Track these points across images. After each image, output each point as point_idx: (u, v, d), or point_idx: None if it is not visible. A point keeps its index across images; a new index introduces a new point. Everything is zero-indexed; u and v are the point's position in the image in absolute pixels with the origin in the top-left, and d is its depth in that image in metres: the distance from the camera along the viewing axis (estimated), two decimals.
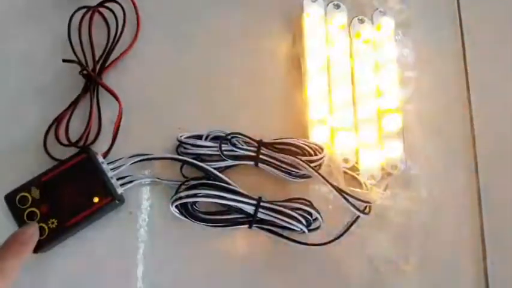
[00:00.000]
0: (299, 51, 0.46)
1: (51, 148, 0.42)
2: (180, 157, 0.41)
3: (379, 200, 0.41)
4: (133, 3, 0.45)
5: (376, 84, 0.44)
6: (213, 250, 0.41)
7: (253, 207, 0.39)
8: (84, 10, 0.44)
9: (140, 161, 0.40)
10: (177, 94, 0.45)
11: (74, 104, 0.43)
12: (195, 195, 0.38)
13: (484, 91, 0.47)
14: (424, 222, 0.43)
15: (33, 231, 0.36)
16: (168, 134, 0.42)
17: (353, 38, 0.45)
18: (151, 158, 0.41)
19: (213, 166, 0.40)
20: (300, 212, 0.39)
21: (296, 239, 0.40)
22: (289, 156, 0.40)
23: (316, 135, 0.42)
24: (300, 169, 0.40)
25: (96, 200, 0.38)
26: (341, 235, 0.40)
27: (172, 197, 0.39)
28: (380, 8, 0.46)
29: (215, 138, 0.41)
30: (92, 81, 0.43)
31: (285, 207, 0.39)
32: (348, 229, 0.41)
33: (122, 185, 0.40)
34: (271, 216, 0.39)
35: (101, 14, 0.45)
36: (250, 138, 0.40)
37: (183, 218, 0.39)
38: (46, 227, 0.38)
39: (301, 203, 0.39)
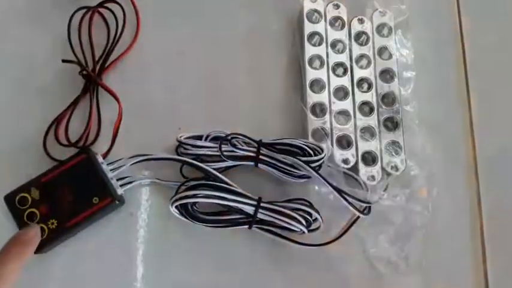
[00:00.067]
0: (299, 51, 0.46)
1: (50, 148, 0.42)
2: (180, 157, 0.41)
3: (379, 200, 0.41)
4: (133, 4, 0.45)
5: (376, 84, 0.44)
6: (213, 251, 0.41)
7: (253, 208, 0.39)
8: (84, 10, 0.44)
9: (140, 161, 0.40)
10: (176, 94, 0.45)
11: (73, 104, 0.43)
12: (195, 196, 0.38)
13: (483, 91, 0.47)
14: (424, 222, 0.43)
15: (35, 233, 0.36)
16: (168, 134, 0.42)
17: (353, 38, 0.45)
18: (151, 158, 0.41)
19: (212, 167, 0.40)
20: (299, 212, 0.39)
21: (296, 239, 0.40)
22: (289, 156, 0.40)
23: (316, 136, 0.42)
24: (299, 169, 0.40)
25: (96, 200, 0.38)
26: (341, 235, 0.40)
27: (172, 198, 0.39)
28: (380, 8, 0.46)
29: (215, 139, 0.41)
30: (92, 81, 0.43)
31: (284, 207, 0.39)
32: (347, 230, 0.40)
33: (121, 185, 0.40)
34: (271, 216, 0.39)
35: (100, 14, 0.45)
36: (250, 138, 0.40)
37: (183, 218, 0.39)
38: (46, 228, 0.38)
39: (301, 204, 0.39)
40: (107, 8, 0.44)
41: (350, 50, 0.45)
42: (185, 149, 0.41)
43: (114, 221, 0.41)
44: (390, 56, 0.45)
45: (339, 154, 0.42)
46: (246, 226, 0.40)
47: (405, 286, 0.42)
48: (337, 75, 0.44)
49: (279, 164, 0.40)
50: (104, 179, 0.39)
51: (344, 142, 0.43)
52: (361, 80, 0.45)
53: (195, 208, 0.39)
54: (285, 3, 0.47)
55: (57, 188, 0.39)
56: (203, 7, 0.47)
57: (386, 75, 0.45)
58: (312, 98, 0.43)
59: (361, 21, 0.46)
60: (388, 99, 0.44)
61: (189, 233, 0.41)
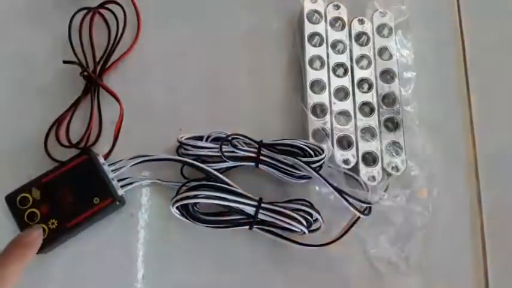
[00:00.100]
0: (299, 52, 0.46)
1: (51, 149, 0.42)
2: (181, 158, 0.41)
3: (379, 201, 0.41)
4: (134, 5, 0.45)
5: (376, 85, 0.44)
6: (213, 251, 0.42)
7: (254, 208, 0.39)
8: (84, 11, 0.44)
9: (141, 162, 0.40)
10: (177, 95, 0.45)
11: (74, 105, 0.43)
12: (195, 197, 0.38)
13: (484, 91, 0.47)
14: (425, 222, 0.43)
15: (38, 235, 0.36)
16: (169, 135, 0.42)
17: (353, 38, 0.45)
18: (152, 159, 0.41)
19: (213, 167, 0.40)
20: (300, 213, 0.39)
21: (296, 240, 0.40)
22: (289, 157, 0.40)
23: (317, 136, 0.42)
24: (300, 170, 0.40)
25: (96, 201, 0.38)
26: (341, 236, 0.40)
27: (173, 198, 0.39)
28: (380, 9, 0.46)
29: (216, 140, 0.41)
30: (93, 82, 0.43)
31: (285, 208, 0.39)
32: (348, 230, 0.40)
33: (122, 186, 0.40)
34: (272, 217, 0.39)
35: (101, 15, 0.45)
36: (250, 139, 0.40)
37: (183, 219, 0.39)
38: (46, 228, 0.38)
39: (302, 204, 0.39)
40: (107, 8, 0.44)
41: (350, 51, 0.45)
42: (186, 149, 0.41)
43: (114, 221, 0.41)
44: (390, 57, 0.45)
45: (339, 154, 0.42)
46: (247, 227, 0.40)
47: (405, 286, 0.42)
48: (338, 76, 0.44)
49: (280, 165, 0.40)
50: (105, 180, 0.39)
51: (344, 142, 0.43)
52: (362, 81, 0.45)
53: (196, 209, 0.39)
54: (285, 4, 0.47)
55: (58, 188, 0.39)
56: (204, 8, 0.47)
57: (387, 75, 0.45)
58: (313, 98, 0.44)
59: (361, 21, 0.46)
60: (388, 99, 0.44)
61: (190, 233, 0.41)
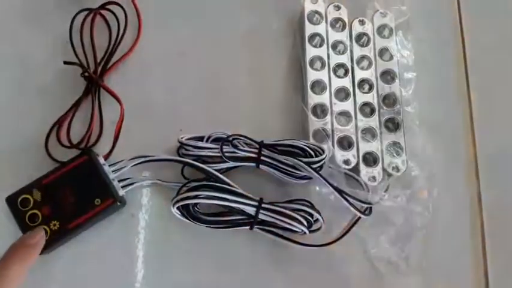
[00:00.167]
0: (299, 52, 0.46)
1: (52, 150, 0.42)
2: (181, 159, 0.41)
3: (380, 201, 0.41)
4: (135, 5, 0.45)
5: (377, 85, 0.45)
6: (214, 251, 0.42)
7: (255, 209, 0.39)
8: (85, 12, 0.44)
9: (141, 162, 0.40)
10: (178, 95, 0.45)
11: (75, 106, 0.43)
12: (196, 197, 0.38)
13: (484, 91, 0.47)
14: (425, 223, 0.43)
15: (41, 236, 0.36)
16: (169, 135, 0.42)
17: (353, 39, 0.45)
18: (152, 159, 0.41)
19: (214, 168, 0.40)
20: (301, 213, 0.39)
21: (297, 240, 0.40)
22: (290, 157, 0.40)
23: (317, 137, 0.42)
24: (301, 170, 0.40)
25: (97, 202, 0.39)
26: (342, 236, 0.40)
27: (173, 199, 0.39)
28: (380, 9, 0.46)
29: (216, 140, 0.41)
30: (94, 83, 0.43)
31: (286, 208, 0.39)
32: (348, 230, 0.41)
33: (123, 186, 0.40)
34: (272, 217, 0.39)
35: (102, 16, 0.45)
36: (251, 139, 0.40)
37: (184, 219, 0.39)
38: (48, 229, 0.38)
39: (302, 204, 0.40)
40: (108, 9, 0.44)
41: (351, 51, 0.45)
42: (186, 150, 0.41)
43: (115, 222, 0.41)
44: (391, 57, 0.45)
45: (340, 155, 0.42)
46: (247, 227, 0.40)
47: (406, 286, 0.42)
48: (338, 77, 0.44)
49: (280, 165, 0.40)
50: (106, 181, 0.39)
51: (345, 143, 0.43)
52: (362, 81, 0.45)
53: (196, 209, 0.39)
54: (285, 4, 0.47)
55: (59, 189, 0.39)
56: (204, 8, 0.47)
57: (387, 76, 0.45)
58: (313, 99, 0.44)
59: (362, 22, 0.46)
60: (389, 100, 0.44)
61: (190, 233, 0.41)
